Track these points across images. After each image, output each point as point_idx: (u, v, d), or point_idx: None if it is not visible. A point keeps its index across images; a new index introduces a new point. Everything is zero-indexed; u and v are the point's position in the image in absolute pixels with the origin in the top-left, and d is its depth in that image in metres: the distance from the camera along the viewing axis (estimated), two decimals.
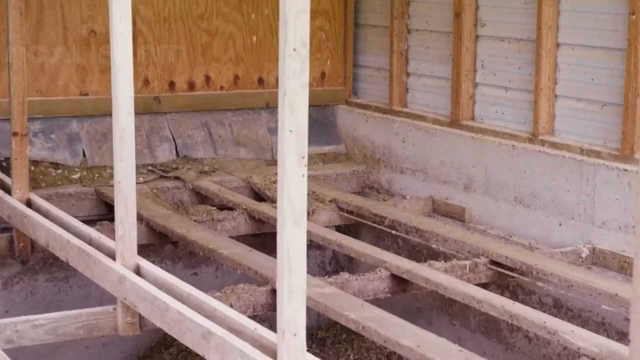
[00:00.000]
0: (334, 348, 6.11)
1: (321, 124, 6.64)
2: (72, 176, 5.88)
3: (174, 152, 6.23)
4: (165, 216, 5.48)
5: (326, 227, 5.59)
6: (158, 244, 5.81)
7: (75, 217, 4.89)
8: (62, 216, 4.72)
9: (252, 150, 6.45)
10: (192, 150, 6.28)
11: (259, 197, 6.06)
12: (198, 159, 6.30)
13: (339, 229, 5.72)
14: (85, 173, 5.96)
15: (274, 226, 2.79)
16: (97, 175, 5.96)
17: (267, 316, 4.56)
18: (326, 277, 4.71)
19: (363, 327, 4.04)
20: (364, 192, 6.41)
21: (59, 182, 5.84)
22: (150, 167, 6.06)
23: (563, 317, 4.81)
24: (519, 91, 5.52)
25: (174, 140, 6.25)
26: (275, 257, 2.63)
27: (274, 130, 6.44)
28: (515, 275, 4.76)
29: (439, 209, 5.88)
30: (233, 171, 6.23)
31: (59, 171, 5.93)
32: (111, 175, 5.19)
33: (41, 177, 5.85)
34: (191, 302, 3.56)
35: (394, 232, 5.49)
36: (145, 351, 6.13)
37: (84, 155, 6.00)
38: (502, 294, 4.89)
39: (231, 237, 5.34)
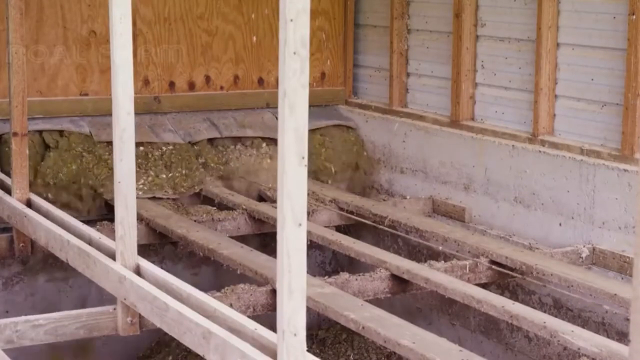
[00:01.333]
0: (334, 348, 6.10)
1: (326, 110, 6.62)
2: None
3: (179, 139, 6.17)
4: (165, 216, 5.48)
5: (326, 227, 5.59)
6: (158, 244, 5.81)
7: (75, 217, 4.89)
8: (62, 216, 4.72)
9: (259, 130, 6.40)
10: (195, 135, 6.23)
11: (259, 197, 6.06)
12: (202, 142, 6.22)
13: (339, 229, 5.72)
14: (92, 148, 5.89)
15: (274, 226, 2.79)
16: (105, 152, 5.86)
17: (267, 316, 4.56)
18: (326, 277, 4.71)
19: (363, 327, 4.04)
20: (364, 192, 6.41)
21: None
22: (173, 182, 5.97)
23: (563, 317, 4.81)
24: (519, 91, 5.52)
25: (177, 132, 6.22)
26: (275, 257, 2.63)
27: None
28: (516, 275, 4.76)
29: (439, 209, 5.88)
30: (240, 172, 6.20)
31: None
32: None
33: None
34: (191, 302, 3.56)
35: (394, 232, 5.48)
36: (145, 351, 6.13)
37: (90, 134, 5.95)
38: (502, 294, 4.90)
39: (231, 237, 5.35)
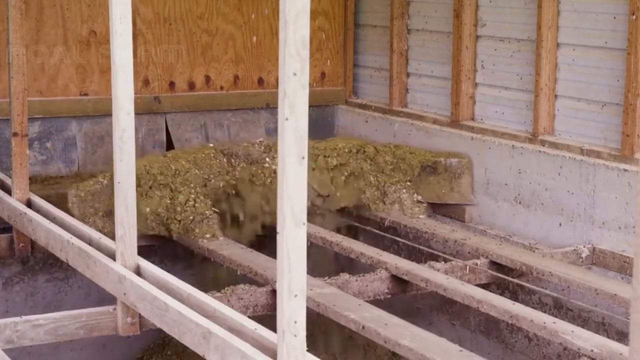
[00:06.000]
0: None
1: (319, 125, 6.62)
2: None
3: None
4: None
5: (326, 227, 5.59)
6: (158, 244, 5.80)
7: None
8: (62, 216, 4.72)
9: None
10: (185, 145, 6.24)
11: None
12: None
13: (338, 230, 5.72)
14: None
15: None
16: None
17: (267, 316, 4.56)
18: (326, 277, 4.72)
19: (363, 327, 4.04)
20: None
21: None
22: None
23: (563, 317, 4.81)
24: (519, 91, 5.52)
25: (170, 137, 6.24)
26: (275, 257, 2.63)
27: (272, 131, 6.43)
28: (514, 280, 4.76)
29: (439, 209, 5.87)
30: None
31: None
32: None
33: None
34: (191, 302, 3.56)
35: (392, 235, 5.48)
36: (145, 351, 6.13)
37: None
38: (502, 294, 4.89)
39: None
